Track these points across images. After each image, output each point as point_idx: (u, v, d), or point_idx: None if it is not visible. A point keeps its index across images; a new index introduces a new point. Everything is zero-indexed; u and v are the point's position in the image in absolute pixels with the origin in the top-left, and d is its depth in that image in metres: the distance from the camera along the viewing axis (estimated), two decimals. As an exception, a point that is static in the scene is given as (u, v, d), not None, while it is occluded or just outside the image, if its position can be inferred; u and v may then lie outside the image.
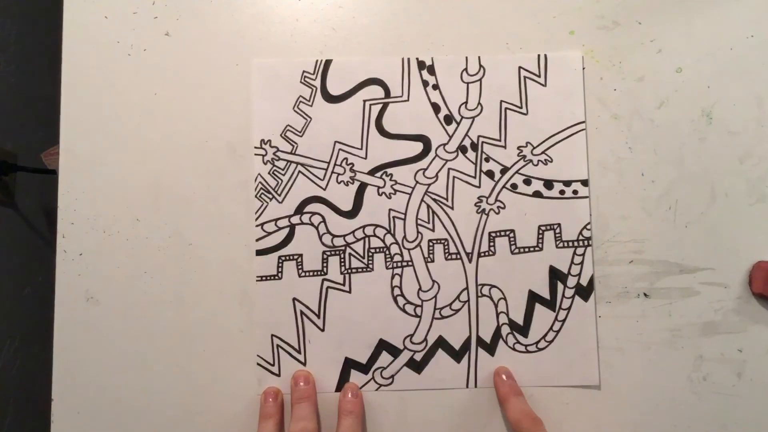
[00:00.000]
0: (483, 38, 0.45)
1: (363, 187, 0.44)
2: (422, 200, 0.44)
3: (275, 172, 0.44)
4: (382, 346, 0.43)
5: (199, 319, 0.43)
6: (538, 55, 0.45)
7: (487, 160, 0.44)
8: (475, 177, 0.44)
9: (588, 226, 0.44)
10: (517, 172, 0.44)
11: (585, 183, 0.44)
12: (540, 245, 0.44)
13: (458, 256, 0.44)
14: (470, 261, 0.44)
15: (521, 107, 0.45)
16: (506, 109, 0.45)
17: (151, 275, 0.43)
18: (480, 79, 0.45)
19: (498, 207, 0.44)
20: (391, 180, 0.44)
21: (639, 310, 0.43)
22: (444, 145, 0.44)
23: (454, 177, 0.44)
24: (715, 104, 0.45)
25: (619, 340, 0.43)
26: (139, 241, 0.44)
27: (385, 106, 0.45)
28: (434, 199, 0.44)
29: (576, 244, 0.44)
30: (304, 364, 0.43)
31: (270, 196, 0.44)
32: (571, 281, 0.43)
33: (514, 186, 0.44)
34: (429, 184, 0.44)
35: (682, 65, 0.45)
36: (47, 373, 0.42)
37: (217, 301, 0.43)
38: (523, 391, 0.42)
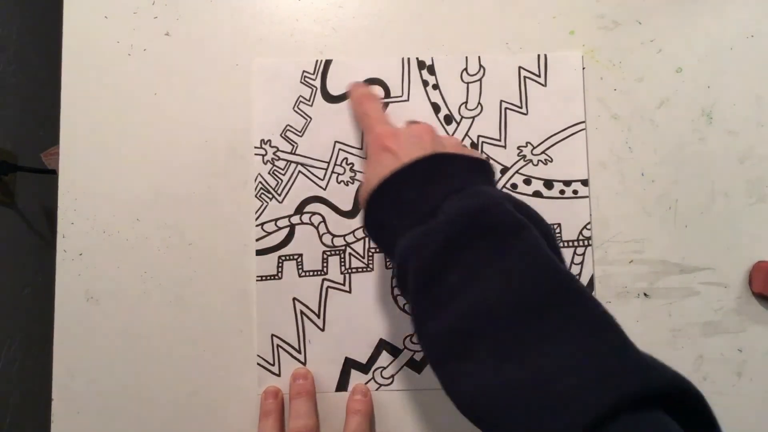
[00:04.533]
0: (483, 38, 0.45)
1: (363, 187, 0.44)
2: (422, 200, 0.44)
3: (275, 172, 0.44)
4: (382, 346, 0.43)
5: (199, 319, 0.43)
6: (538, 55, 0.45)
7: (487, 159, 0.44)
8: (475, 177, 0.44)
9: (588, 226, 0.44)
10: (517, 172, 0.44)
11: (585, 183, 0.44)
12: (540, 245, 0.44)
13: (458, 256, 0.44)
14: (470, 261, 0.44)
15: (521, 107, 0.45)
16: (506, 109, 0.45)
17: (151, 275, 0.43)
18: (480, 79, 0.45)
19: (498, 207, 0.44)
20: (391, 180, 0.44)
21: (639, 310, 0.43)
22: (444, 145, 0.44)
23: (454, 177, 0.44)
24: (715, 104, 0.45)
25: (619, 340, 0.43)
26: (139, 241, 0.44)
27: (385, 105, 0.45)
28: (434, 199, 0.44)
29: (576, 243, 0.44)
30: (304, 363, 0.43)
31: (270, 196, 0.44)
32: (571, 281, 0.43)
33: (514, 186, 0.44)
34: (429, 184, 0.44)
35: (682, 65, 0.45)
36: (47, 373, 0.42)
37: (217, 301, 0.43)
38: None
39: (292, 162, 0.44)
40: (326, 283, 0.44)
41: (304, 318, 0.43)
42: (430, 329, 0.29)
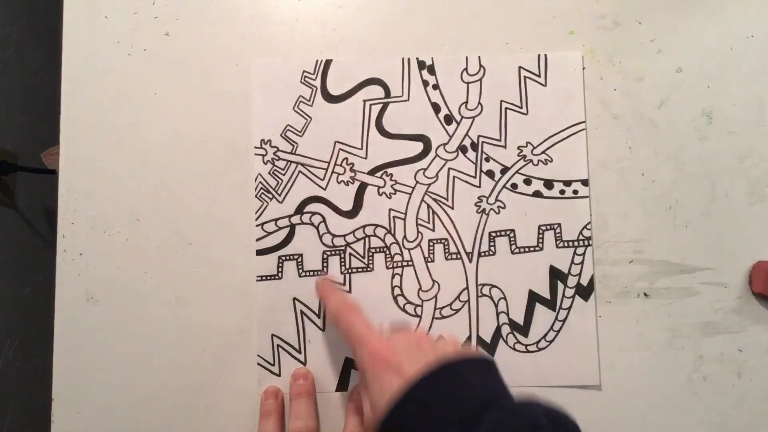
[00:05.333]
0: (483, 38, 0.45)
1: (363, 187, 0.44)
2: (422, 200, 0.44)
3: (275, 172, 0.44)
4: (382, 346, 0.43)
5: (199, 319, 0.43)
6: (538, 55, 0.45)
7: (488, 159, 0.44)
8: (475, 177, 0.44)
9: (588, 226, 0.44)
10: (517, 171, 0.44)
11: (585, 183, 0.44)
12: (540, 245, 0.44)
13: (458, 256, 0.44)
14: (470, 261, 0.44)
15: (521, 107, 0.45)
16: (506, 109, 0.45)
17: (151, 275, 0.43)
18: (480, 79, 0.45)
19: (498, 207, 0.44)
20: (391, 180, 0.44)
21: (639, 310, 0.43)
22: (444, 144, 0.44)
23: (454, 177, 0.44)
24: (715, 104, 0.45)
25: (619, 340, 0.43)
26: (139, 241, 0.44)
27: (385, 106, 0.45)
28: (434, 199, 0.44)
29: (576, 243, 0.44)
30: (305, 363, 0.43)
31: (270, 196, 0.44)
32: (572, 281, 0.43)
33: (515, 186, 0.44)
34: (429, 184, 0.44)
35: (682, 65, 0.45)
36: (47, 373, 0.42)
37: (217, 301, 0.43)
38: (524, 390, 0.42)
39: (292, 162, 0.44)
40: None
41: (305, 318, 0.43)
42: None
